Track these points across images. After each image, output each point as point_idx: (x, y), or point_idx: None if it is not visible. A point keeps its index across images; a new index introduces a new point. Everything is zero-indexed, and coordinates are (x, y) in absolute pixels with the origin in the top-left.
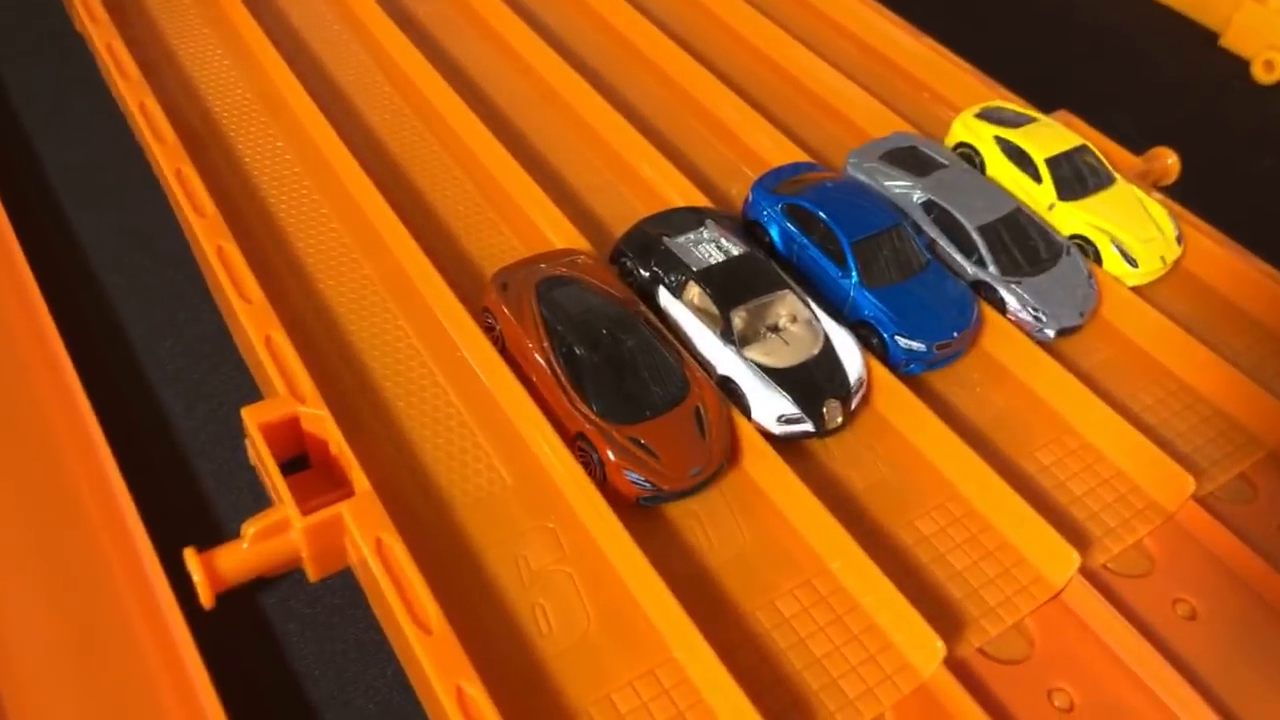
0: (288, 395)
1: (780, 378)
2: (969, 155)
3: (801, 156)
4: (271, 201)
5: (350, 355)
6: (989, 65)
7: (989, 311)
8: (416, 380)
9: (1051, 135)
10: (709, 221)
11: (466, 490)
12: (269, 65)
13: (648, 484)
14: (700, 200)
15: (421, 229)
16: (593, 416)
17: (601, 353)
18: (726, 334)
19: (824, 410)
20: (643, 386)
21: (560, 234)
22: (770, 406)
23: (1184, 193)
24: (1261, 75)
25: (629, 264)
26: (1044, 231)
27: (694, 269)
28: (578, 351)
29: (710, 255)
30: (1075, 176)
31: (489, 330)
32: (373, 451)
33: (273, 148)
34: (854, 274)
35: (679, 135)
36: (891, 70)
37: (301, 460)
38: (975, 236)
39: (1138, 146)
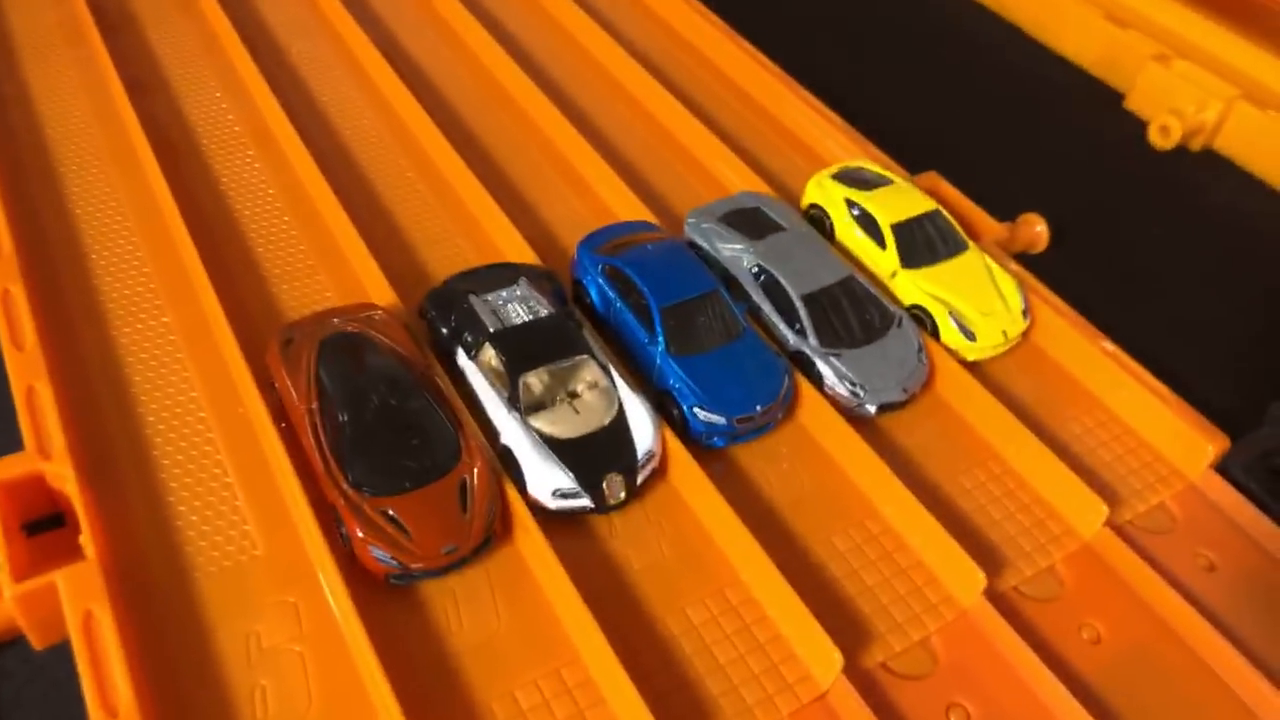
0: (34, 451)
1: (561, 449)
2: (820, 218)
3: (647, 212)
4: (87, 238)
5: (128, 407)
6: (877, 115)
7: (806, 385)
8: (190, 437)
9: (902, 200)
10: (522, 280)
11: (213, 557)
12: (115, 96)
13: (394, 562)
14: (529, 256)
15: (237, 273)
16: (345, 487)
17: (368, 419)
18: (513, 400)
19: (604, 485)
20: (407, 456)
21: (375, 286)
22: (546, 480)
23: (1064, 258)
24: (1158, 140)
25: (433, 320)
26: (876, 302)
27: (490, 329)
28: (342, 416)
29: (515, 315)
30: (922, 244)
31: (270, 388)
32: (124, 511)
33: (101, 179)
34: (661, 340)
35: (531, 183)
36: (765, 121)
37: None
38: (799, 305)
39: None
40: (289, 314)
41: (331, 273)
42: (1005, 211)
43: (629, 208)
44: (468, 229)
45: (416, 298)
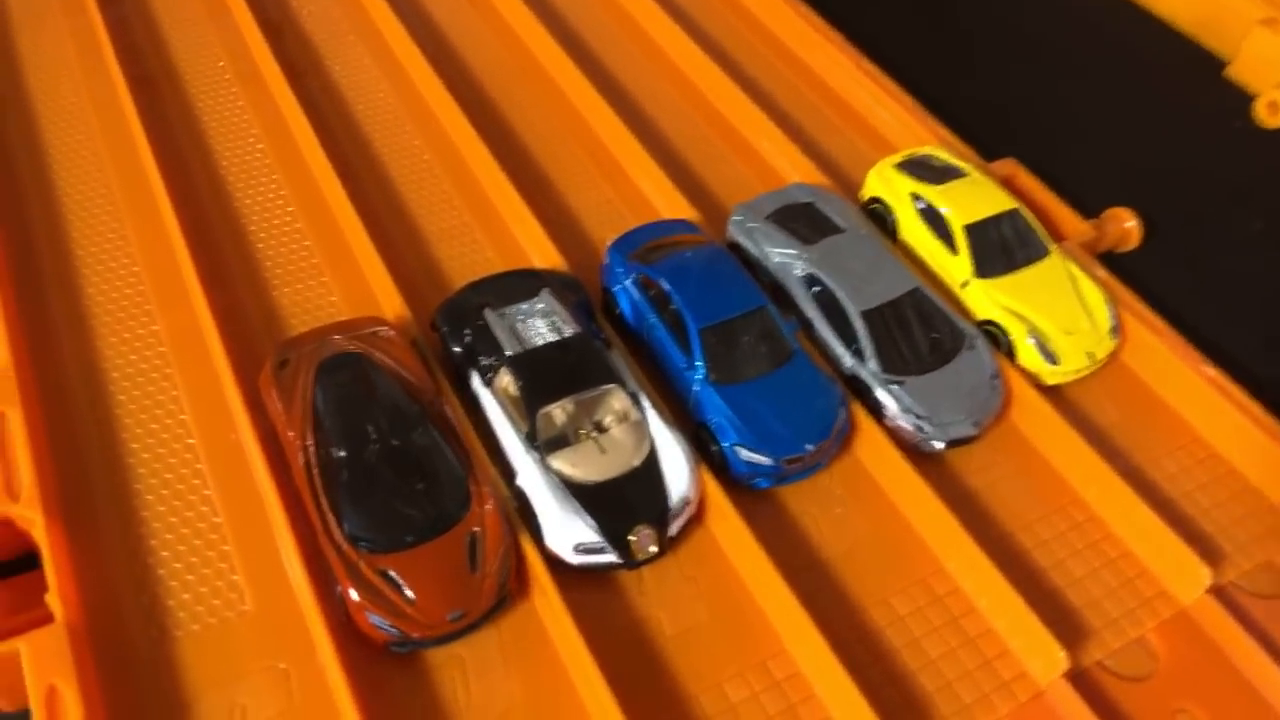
0: (1, 491)
1: (584, 495)
2: (881, 213)
3: (686, 204)
4: (75, 232)
5: (109, 432)
6: (946, 86)
7: (864, 415)
8: (176, 469)
9: (978, 196)
10: (545, 291)
11: (197, 614)
12: (118, 90)
13: (394, 630)
14: (555, 260)
15: (235, 273)
16: (340, 541)
17: (368, 458)
18: (531, 436)
19: (631, 539)
20: (410, 504)
21: (384, 291)
22: (566, 532)
23: (1154, 255)
24: (1265, 117)
25: (445, 337)
26: (946, 319)
27: (508, 353)
28: (338, 454)
29: (536, 334)
30: (999, 248)
31: (264, 414)
32: (100, 559)
33: (92, 163)
34: (700, 367)
35: (559, 166)
36: (823, 96)
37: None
38: (857, 323)
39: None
40: (290, 320)
41: (338, 273)
42: (1090, 198)
43: (666, 197)
44: (487, 221)
45: (428, 300)
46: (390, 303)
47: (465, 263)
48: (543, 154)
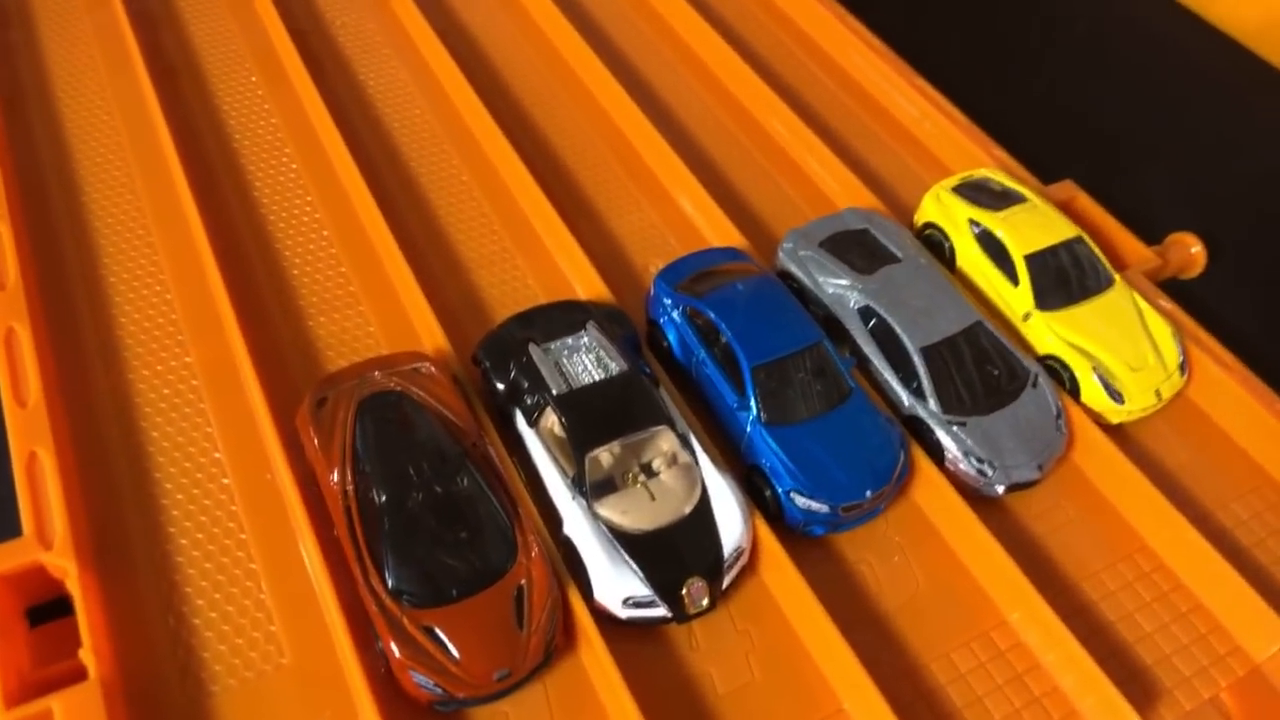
0: (33, 538)
1: (633, 546)
2: (937, 241)
3: (733, 228)
4: (108, 266)
5: (141, 471)
6: (1000, 103)
7: (923, 458)
8: (211, 510)
9: (1038, 224)
10: (591, 324)
11: (234, 668)
12: (149, 107)
13: (438, 689)
14: (598, 288)
15: (269, 303)
16: (382, 594)
17: (410, 506)
18: (577, 481)
19: (684, 593)
20: (454, 554)
21: (422, 322)
22: (616, 586)
23: (1219, 280)
24: None
25: (487, 373)
26: (1009, 355)
27: (553, 391)
28: (379, 499)
29: (583, 372)
30: (1061, 279)
31: (301, 453)
32: (135, 610)
33: (128, 199)
34: (752, 406)
35: (600, 188)
36: (875, 116)
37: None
38: (916, 360)
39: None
40: (327, 352)
41: (375, 302)
42: (1151, 222)
43: (712, 221)
44: (527, 247)
45: (468, 331)
46: (430, 334)
47: (505, 290)
48: (583, 176)
